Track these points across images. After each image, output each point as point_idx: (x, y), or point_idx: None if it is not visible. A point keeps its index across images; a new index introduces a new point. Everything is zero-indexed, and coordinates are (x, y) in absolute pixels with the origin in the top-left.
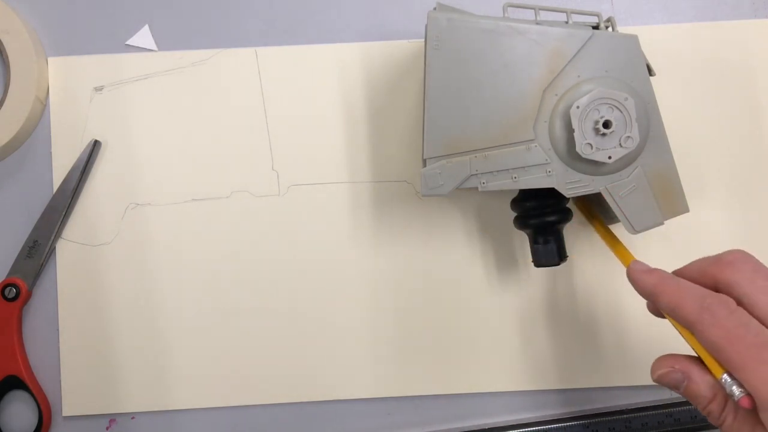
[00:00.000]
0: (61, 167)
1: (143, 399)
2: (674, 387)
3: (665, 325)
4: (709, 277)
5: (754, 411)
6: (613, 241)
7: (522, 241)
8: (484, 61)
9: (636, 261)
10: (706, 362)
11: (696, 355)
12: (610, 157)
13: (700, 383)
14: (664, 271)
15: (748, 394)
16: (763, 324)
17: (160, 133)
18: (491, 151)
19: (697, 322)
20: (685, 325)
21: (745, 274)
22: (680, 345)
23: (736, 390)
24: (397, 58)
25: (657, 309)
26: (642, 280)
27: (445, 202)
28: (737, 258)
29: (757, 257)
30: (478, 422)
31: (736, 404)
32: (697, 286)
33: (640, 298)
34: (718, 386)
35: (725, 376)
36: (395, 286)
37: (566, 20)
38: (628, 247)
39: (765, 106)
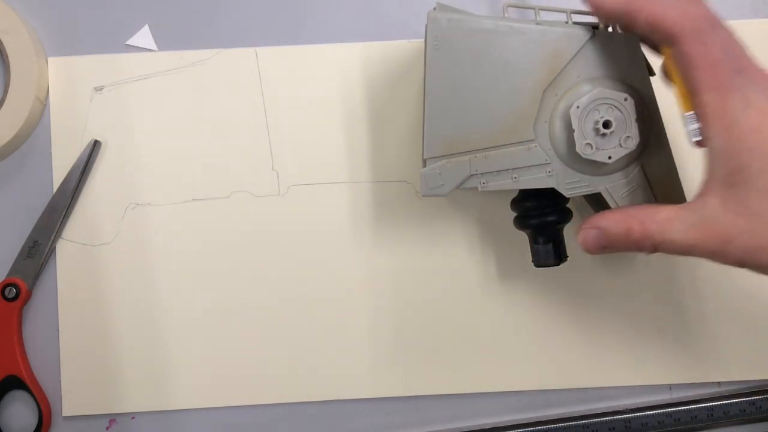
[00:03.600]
0: (61, 167)
1: (143, 399)
2: (601, 247)
3: (666, 325)
4: None
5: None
6: None
7: (522, 241)
8: (484, 61)
9: None
10: (678, 88)
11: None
12: (610, 157)
13: (610, 225)
14: None
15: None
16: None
17: (160, 133)
18: (491, 151)
19: (680, 34)
20: (665, 39)
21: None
22: (687, 343)
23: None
24: (397, 58)
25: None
26: (608, 2)
27: (445, 202)
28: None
29: None
30: (478, 422)
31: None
32: None
33: (641, 298)
34: (628, 215)
35: (690, 114)
36: (395, 286)
37: (566, 20)
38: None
39: None
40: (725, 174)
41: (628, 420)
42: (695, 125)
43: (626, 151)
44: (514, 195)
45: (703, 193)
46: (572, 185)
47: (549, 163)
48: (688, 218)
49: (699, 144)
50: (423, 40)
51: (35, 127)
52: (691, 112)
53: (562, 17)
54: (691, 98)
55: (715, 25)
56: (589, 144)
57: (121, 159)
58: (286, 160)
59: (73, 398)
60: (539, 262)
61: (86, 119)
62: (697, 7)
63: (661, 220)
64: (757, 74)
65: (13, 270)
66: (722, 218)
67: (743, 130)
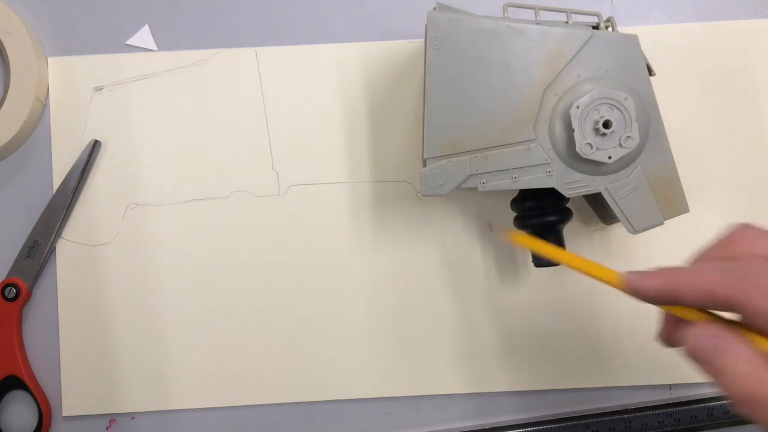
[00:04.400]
0: (61, 167)
1: (143, 399)
2: (701, 360)
3: None
4: (727, 257)
5: None
6: (589, 265)
7: None
8: (484, 61)
9: (629, 272)
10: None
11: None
12: (610, 157)
13: (737, 353)
14: (668, 267)
15: None
16: None
17: (160, 133)
18: (491, 151)
19: (743, 296)
20: (726, 307)
21: (757, 241)
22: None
23: None
24: (397, 58)
25: (671, 332)
26: (648, 284)
27: (445, 202)
28: (748, 229)
29: None
30: (478, 422)
31: None
32: (719, 263)
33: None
34: (755, 359)
35: None
36: (395, 286)
37: (566, 20)
38: (627, 249)
39: (765, 106)
40: None
41: (628, 420)
42: None
43: (626, 151)
44: (514, 195)
45: None
46: (572, 185)
47: (549, 163)
48: None
49: None
50: (423, 40)
51: (35, 127)
52: None
53: (562, 17)
54: None
55: (765, 269)
56: (589, 144)
57: (121, 159)
58: (286, 160)
59: (73, 398)
60: (539, 262)
61: (86, 119)
62: (745, 264)
63: None
64: None
65: (13, 270)
66: None
67: None
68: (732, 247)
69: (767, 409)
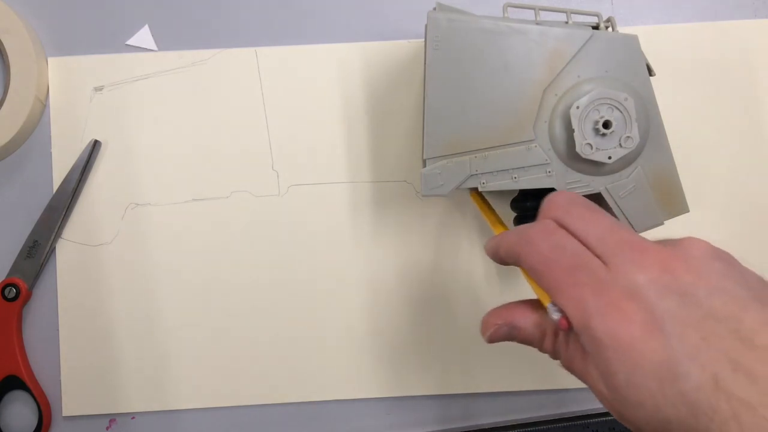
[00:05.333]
0: (61, 167)
1: (143, 399)
2: (509, 340)
3: None
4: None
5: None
6: (488, 212)
7: None
8: (484, 61)
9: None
10: (537, 294)
11: (522, 300)
12: (610, 157)
13: (526, 326)
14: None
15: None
16: (586, 246)
17: (160, 133)
18: (491, 151)
19: (521, 253)
20: (514, 262)
21: (561, 207)
22: None
23: (554, 314)
24: (397, 58)
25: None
26: (486, 247)
27: (445, 202)
28: (553, 197)
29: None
30: (478, 422)
31: (558, 329)
32: (522, 225)
33: None
34: (545, 322)
35: (550, 304)
36: (395, 286)
37: (566, 20)
38: None
39: (765, 106)
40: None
41: None
42: (554, 312)
43: (626, 151)
44: (514, 195)
45: None
46: (572, 185)
47: (549, 163)
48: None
49: (565, 323)
50: (423, 40)
51: (35, 127)
52: (550, 303)
53: (562, 17)
54: None
55: (548, 229)
56: (589, 144)
57: (121, 159)
58: (286, 160)
59: (73, 398)
60: None
61: (86, 119)
62: (532, 226)
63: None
64: None
65: (13, 270)
66: None
67: None
68: (541, 212)
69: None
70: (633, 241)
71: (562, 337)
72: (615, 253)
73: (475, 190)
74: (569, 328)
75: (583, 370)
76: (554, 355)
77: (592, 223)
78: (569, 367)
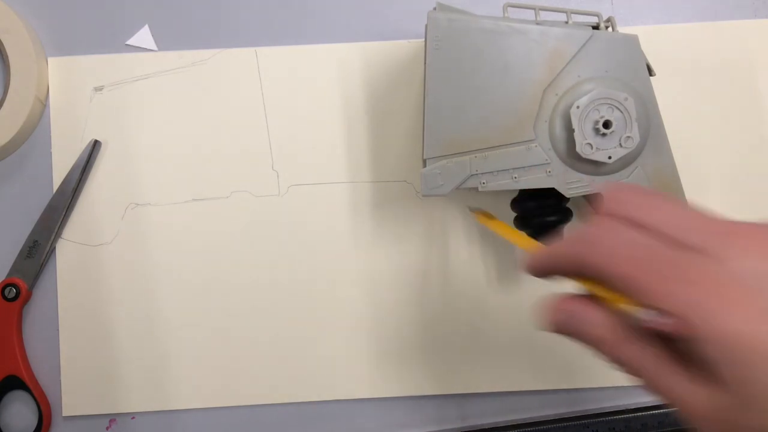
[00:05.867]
0: (61, 167)
1: (143, 399)
2: (569, 334)
3: None
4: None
5: (672, 341)
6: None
7: None
8: (484, 61)
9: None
10: (608, 299)
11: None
12: (610, 157)
13: (594, 324)
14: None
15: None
16: (672, 239)
17: (160, 133)
18: (491, 151)
19: (583, 255)
20: (576, 272)
21: (626, 200)
22: None
23: (653, 319)
24: (397, 58)
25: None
26: (533, 263)
27: (445, 202)
28: (611, 190)
29: None
30: (478, 422)
31: (662, 335)
32: (581, 229)
33: None
34: (614, 325)
35: (642, 309)
36: (395, 286)
37: (566, 20)
38: None
39: (765, 106)
40: None
41: (628, 420)
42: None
43: (626, 151)
44: (514, 195)
45: None
46: (572, 185)
47: (549, 163)
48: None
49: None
50: (423, 40)
51: (35, 127)
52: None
53: (562, 17)
54: None
55: (617, 229)
56: (589, 144)
57: (121, 159)
58: (286, 160)
59: (73, 398)
60: None
61: (86, 119)
62: (586, 227)
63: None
64: None
65: (13, 270)
66: None
67: None
68: (598, 209)
69: (622, 363)
70: (728, 226)
71: (637, 345)
72: (714, 242)
73: (480, 213)
74: (680, 335)
75: (671, 382)
76: (617, 361)
77: (670, 212)
78: (644, 376)
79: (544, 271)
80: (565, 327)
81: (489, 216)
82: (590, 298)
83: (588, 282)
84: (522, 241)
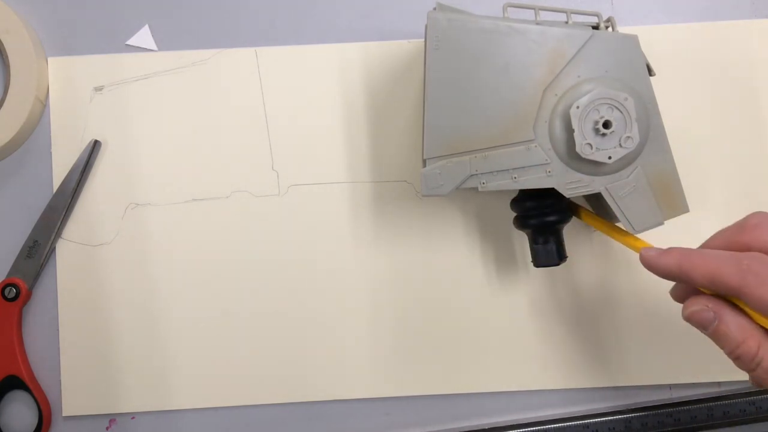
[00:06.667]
0: (61, 167)
1: (143, 399)
2: (703, 326)
3: (666, 325)
4: (736, 244)
5: None
6: (619, 233)
7: (522, 241)
8: (484, 61)
9: (646, 248)
10: (764, 324)
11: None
12: (610, 157)
13: (731, 324)
14: (682, 248)
15: None
16: None
17: (160, 133)
18: (491, 151)
19: (743, 285)
20: (728, 293)
21: (766, 231)
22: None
23: None
24: (397, 58)
25: (681, 293)
26: (661, 262)
27: (445, 202)
28: (762, 220)
29: None
30: (478, 422)
31: None
32: (727, 252)
33: (641, 297)
34: (750, 329)
35: None
36: (395, 286)
37: (566, 20)
38: (627, 249)
39: (765, 106)
40: None
41: (629, 420)
42: None
43: (626, 151)
44: (514, 195)
45: None
46: (572, 185)
47: (549, 163)
48: None
49: None
50: (423, 40)
51: (35, 127)
52: None
53: (562, 17)
54: None
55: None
56: (589, 144)
57: (121, 159)
58: (286, 160)
59: (73, 398)
60: (539, 262)
61: (86, 119)
62: (750, 256)
63: None
64: None
65: (13, 270)
66: None
67: None
68: (743, 235)
69: (757, 367)
70: None
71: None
72: None
73: (585, 212)
74: None
75: None
76: (749, 365)
77: None
78: None
79: (670, 275)
80: (703, 323)
81: (594, 216)
82: (725, 299)
83: (740, 302)
84: (626, 239)
